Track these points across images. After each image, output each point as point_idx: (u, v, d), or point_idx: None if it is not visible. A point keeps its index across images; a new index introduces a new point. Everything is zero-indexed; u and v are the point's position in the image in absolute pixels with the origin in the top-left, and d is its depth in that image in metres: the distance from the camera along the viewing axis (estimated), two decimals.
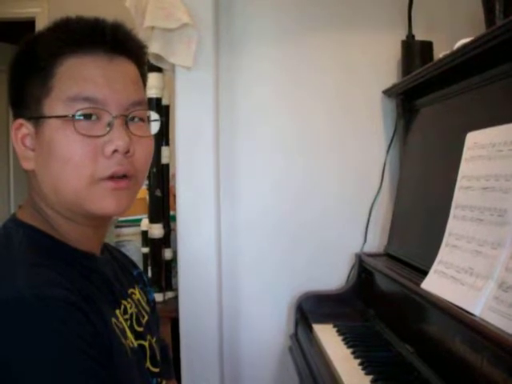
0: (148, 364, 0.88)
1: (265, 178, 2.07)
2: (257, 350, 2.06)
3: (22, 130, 0.80)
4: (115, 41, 0.80)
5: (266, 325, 2.08)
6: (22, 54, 0.82)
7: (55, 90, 0.77)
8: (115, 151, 0.77)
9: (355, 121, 2.05)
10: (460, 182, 1.28)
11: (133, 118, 0.82)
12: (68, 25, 0.80)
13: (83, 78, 0.78)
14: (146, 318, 0.94)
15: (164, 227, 2.04)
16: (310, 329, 1.76)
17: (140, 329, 0.89)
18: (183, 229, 1.92)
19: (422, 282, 1.31)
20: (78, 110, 0.76)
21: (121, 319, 0.82)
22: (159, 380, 0.92)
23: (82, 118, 0.77)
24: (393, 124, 2.02)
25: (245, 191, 2.07)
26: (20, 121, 0.80)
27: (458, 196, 1.28)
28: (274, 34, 2.06)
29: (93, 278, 0.81)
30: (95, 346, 0.69)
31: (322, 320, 1.78)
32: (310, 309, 1.89)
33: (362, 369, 1.34)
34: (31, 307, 0.66)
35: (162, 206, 2.03)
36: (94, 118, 0.78)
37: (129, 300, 0.89)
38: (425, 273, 1.33)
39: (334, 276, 2.03)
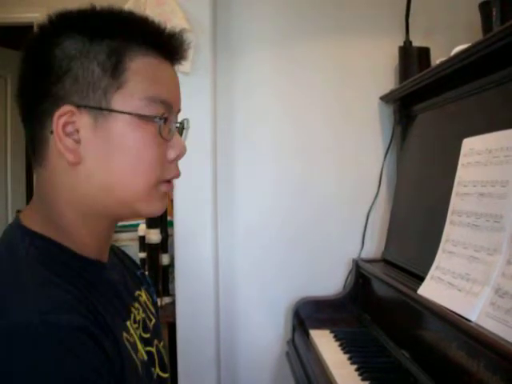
0: (158, 370, 0.86)
1: (263, 183, 2.07)
2: (254, 355, 2.06)
3: (70, 117, 0.72)
4: (178, 50, 0.80)
5: (263, 330, 2.08)
6: (75, 30, 0.74)
7: (129, 86, 0.73)
8: (177, 156, 0.79)
9: (353, 126, 2.06)
10: (456, 188, 1.29)
11: None
12: (135, 20, 0.77)
13: (158, 79, 0.76)
14: (154, 321, 0.93)
15: (161, 232, 2.04)
16: (307, 334, 1.76)
17: (147, 335, 0.87)
18: (181, 234, 1.92)
19: (418, 287, 1.32)
20: (157, 112, 0.75)
21: (131, 331, 0.80)
22: None
23: (162, 121, 0.75)
24: (390, 130, 2.02)
25: (242, 196, 2.07)
26: (69, 107, 0.72)
27: (455, 202, 1.28)
28: (271, 37, 2.06)
29: (103, 290, 0.77)
30: (106, 374, 0.65)
31: (319, 325, 1.78)
32: (307, 314, 1.89)
33: (359, 374, 1.34)
34: (40, 335, 0.60)
35: None
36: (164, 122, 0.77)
37: (136, 305, 0.87)
38: (422, 278, 1.33)
39: (331, 281, 2.03)
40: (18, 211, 0.84)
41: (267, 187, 2.08)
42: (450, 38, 1.79)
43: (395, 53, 1.97)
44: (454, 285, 1.17)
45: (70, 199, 0.75)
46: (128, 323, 0.80)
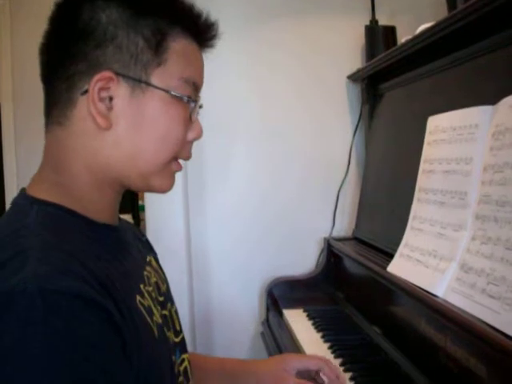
0: (170, 334, 0.86)
1: (234, 166, 2.07)
2: (229, 336, 2.07)
3: (108, 83, 0.73)
4: (212, 40, 0.85)
5: (237, 312, 2.09)
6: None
7: (169, 64, 0.76)
8: (194, 138, 0.83)
9: (321, 106, 2.06)
10: (423, 166, 1.30)
11: None
12: (182, 4, 0.80)
13: (193, 63, 0.80)
14: (165, 285, 0.94)
15: (133, 218, 2.03)
16: (281, 314, 1.78)
17: (161, 298, 0.87)
18: (152, 219, 1.91)
19: (388, 265, 1.34)
20: (189, 94, 0.78)
21: (146, 295, 0.79)
22: (182, 350, 0.90)
23: (193, 103, 0.79)
24: (358, 109, 2.03)
25: (214, 179, 2.06)
26: (109, 73, 0.72)
27: (421, 179, 1.30)
28: (238, 21, 2.04)
29: (117, 253, 0.77)
30: (108, 345, 0.61)
31: (293, 305, 1.80)
32: (281, 294, 1.91)
33: (332, 352, 1.36)
34: (35, 302, 0.57)
35: (130, 196, 2.02)
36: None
37: (148, 268, 0.88)
38: (392, 256, 1.35)
39: (303, 261, 2.05)
40: (23, 189, 0.81)
41: (238, 170, 2.07)
42: (415, 17, 1.79)
43: (362, 32, 1.97)
44: (422, 261, 1.19)
45: (89, 163, 0.75)
46: (142, 286, 0.79)
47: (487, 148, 1.05)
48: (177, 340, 0.89)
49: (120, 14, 0.73)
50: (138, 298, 0.75)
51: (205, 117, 1.99)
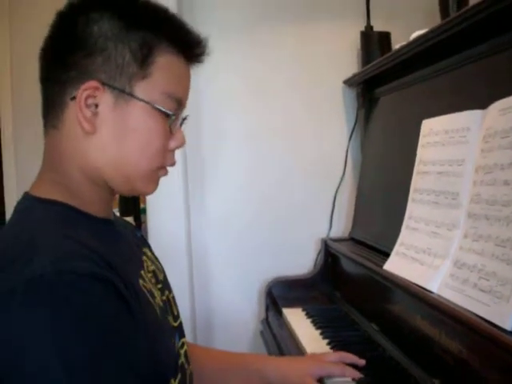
0: (170, 319, 0.92)
1: (233, 168, 2.12)
2: (229, 335, 2.11)
3: (94, 92, 0.78)
4: (200, 56, 0.88)
5: (238, 312, 2.13)
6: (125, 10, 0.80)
7: (153, 78, 0.80)
8: (177, 147, 0.87)
9: (318, 110, 2.11)
10: (417, 167, 1.35)
11: None
12: (171, 19, 0.84)
13: (178, 78, 0.84)
14: (162, 274, 1.00)
15: (135, 220, 2.07)
16: (280, 313, 1.82)
17: (160, 285, 0.93)
18: (153, 221, 1.95)
19: (384, 263, 1.38)
20: (171, 108, 0.82)
21: (147, 279, 0.85)
22: (180, 335, 0.96)
23: (174, 117, 0.83)
24: (354, 113, 2.08)
25: (214, 182, 2.11)
26: (95, 83, 0.78)
27: (416, 180, 1.35)
28: (236, 25, 2.09)
29: (116, 243, 0.84)
30: (120, 320, 0.69)
31: (292, 304, 1.84)
32: (280, 294, 1.95)
33: (330, 348, 1.40)
34: (54, 282, 0.63)
35: (132, 199, 2.06)
36: None
37: (145, 258, 0.94)
38: (387, 255, 1.40)
39: (302, 262, 2.09)
40: (26, 192, 0.88)
41: (238, 173, 2.12)
42: (409, 23, 1.84)
43: (357, 37, 2.03)
44: (417, 259, 1.24)
45: (81, 164, 0.81)
46: (142, 272, 0.86)
47: (478, 150, 1.10)
48: (175, 324, 0.95)
49: (111, 26, 0.79)
50: (140, 281, 0.82)
51: (205, 119, 2.06)
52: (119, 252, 0.82)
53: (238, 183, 2.12)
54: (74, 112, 0.79)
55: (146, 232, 2.01)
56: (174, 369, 0.84)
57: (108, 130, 0.80)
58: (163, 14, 0.84)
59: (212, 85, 2.06)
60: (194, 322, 2.03)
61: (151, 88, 0.80)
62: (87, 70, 0.78)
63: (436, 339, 1.09)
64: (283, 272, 2.03)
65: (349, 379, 1.17)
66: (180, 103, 0.85)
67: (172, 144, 0.86)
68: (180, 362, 0.89)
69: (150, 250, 1.04)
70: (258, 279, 2.10)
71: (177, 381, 0.83)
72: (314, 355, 1.25)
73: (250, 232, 2.12)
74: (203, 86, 2.03)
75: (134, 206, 2.05)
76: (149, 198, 1.94)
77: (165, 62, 0.81)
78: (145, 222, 2.08)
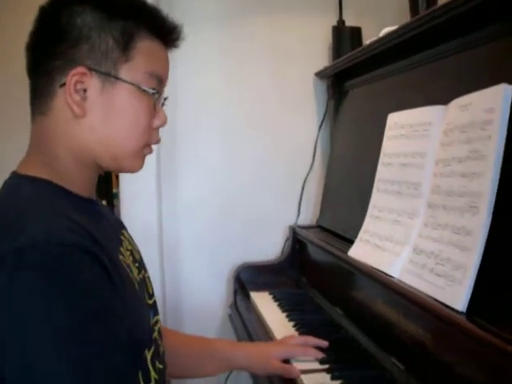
0: (145, 296, 0.97)
1: (206, 157, 2.16)
2: (198, 319, 2.15)
3: (82, 77, 0.83)
4: (176, 40, 0.94)
5: (206, 296, 2.17)
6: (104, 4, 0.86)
7: (135, 61, 0.86)
8: (160, 125, 0.93)
9: (290, 101, 2.16)
10: (382, 159, 1.41)
11: None
12: (148, 9, 0.90)
13: (159, 59, 0.90)
14: (139, 254, 1.04)
15: (107, 204, 2.09)
16: (248, 297, 1.87)
17: (137, 264, 0.98)
18: (125, 206, 1.98)
19: (349, 250, 1.44)
20: (153, 86, 0.88)
21: (126, 256, 0.91)
22: (155, 312, 1.01)
23: (156, 95, 0.89)
24: (324, 104, 2.14)
25: (186, 169, 2.14)
26: (83, 69, 0.83)
27: (381, 171, 1.41)
28: (213, 17, 2.12)
29: (98, 220, 0.89)
30: (106, 290, 0.74)
31: (260, 289, 1.90)
32: (248, 279, 2.01)
33: (296, 330, 1.47)
34: (45, 251, 0.68)
35: (105, 184, 2.09)
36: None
37: (123, 238, 0.99)
38: (352, 242, 1.46)
39: (270, 248, 2.15)
40: (13, 171, 0.92)
41: (209, 161, 2.16)
42: (380, 19, 1.91)
43: (330, 31, 2.08)
44: (380, 246, 1.31)
45: (69, 146, 0.86)
46: (121, 249, 0.92)
47: (439, 144, 1.16)
48: (150, 302, 1.00)
49: (93, 17, 0.84)
50: (120, 256, 0.88)
51: (179, 108, 2.09)
52: (102, 229, 0.87)
53: (210, 172, 2.16)
54: (62, 98, 0.84)
55: (119, 216, 2.04)
56: (148, 340, 0.89)
57: (97, 113, 0.85)
58: (141, 5, 0.90)
59: (188, 75, 2.09)
60: (163, 306, 2.06)
61: (134, 70, 0.86)
62: (74, 58, 0.83)
63: (395, 321, 1.16)
64: (253, 258, 2.09)
65: (312, 359, 1.24)
66: (161, 81, 0.90)
67: (156, 122, 0.92)
68: (154, 336, 0.94)
69: (127, 232, 1.09)
70: (228, 265, 2.15)
71: (150, 352, 0.89)
72: (281, 340, 1.33)
73: (220, 218, 2.16)
74: (180, 76, 2.06)
75: (106, 190, 2.07)
76: (121, 183, 1.97)
77: (144, 46, 0.87)
78: (117, 206, 2.10)
